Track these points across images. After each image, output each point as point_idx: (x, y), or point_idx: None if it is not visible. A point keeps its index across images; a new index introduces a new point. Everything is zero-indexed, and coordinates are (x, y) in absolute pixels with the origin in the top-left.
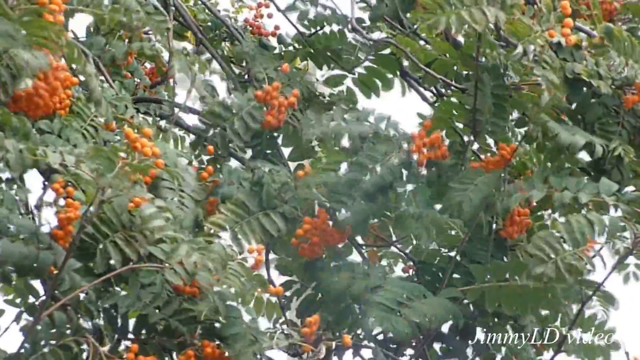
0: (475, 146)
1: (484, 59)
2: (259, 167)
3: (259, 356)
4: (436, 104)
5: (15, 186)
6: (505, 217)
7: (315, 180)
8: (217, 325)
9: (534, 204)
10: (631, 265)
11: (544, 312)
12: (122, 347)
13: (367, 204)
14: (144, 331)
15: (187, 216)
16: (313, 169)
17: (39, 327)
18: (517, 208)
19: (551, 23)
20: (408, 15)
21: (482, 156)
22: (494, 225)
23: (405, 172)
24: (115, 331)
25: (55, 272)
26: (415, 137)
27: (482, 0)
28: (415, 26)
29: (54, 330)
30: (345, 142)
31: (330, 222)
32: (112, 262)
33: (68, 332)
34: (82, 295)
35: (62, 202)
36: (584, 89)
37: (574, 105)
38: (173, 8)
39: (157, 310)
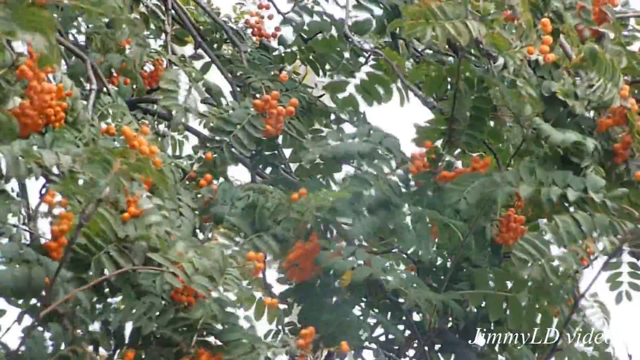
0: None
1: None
2: (254, 189)
3: None
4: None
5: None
6: (500, 220)
7: (310, 204)
8: (216, 329)
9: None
10: (624, 284)
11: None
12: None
13: (372, 217)
14: (139, 341)
15: (186, 225)
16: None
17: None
18: (512, 214)
19: (531, 39)
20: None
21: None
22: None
23: (404, 190)
24: (112, 340)
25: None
26: (416, 157)
27: (465, 14)
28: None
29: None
30: None
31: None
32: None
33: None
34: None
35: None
36: (560, 107)
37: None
38: (172, 11)
39: (151, 320)
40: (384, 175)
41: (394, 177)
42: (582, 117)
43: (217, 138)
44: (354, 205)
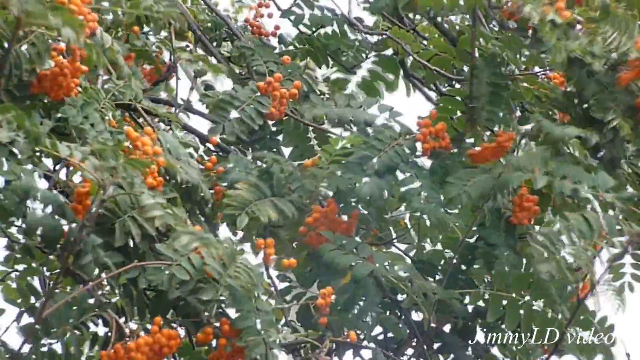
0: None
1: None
2: (265, 157)
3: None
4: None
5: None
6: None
7: (322, 172)
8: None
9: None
10: (627, 275)
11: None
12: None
13: (378, 180)
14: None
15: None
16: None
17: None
18: (525, 193)
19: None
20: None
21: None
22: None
23: (410, 157)
24: (134, 307)
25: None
26: (422, 124)
27: None
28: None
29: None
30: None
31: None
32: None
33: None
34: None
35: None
36: (579, 67)
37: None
38: None
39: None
40: (390, 142)
41: (403, 144)
42: (601, 75)
43: (227, 109)
44: (362, 167)
